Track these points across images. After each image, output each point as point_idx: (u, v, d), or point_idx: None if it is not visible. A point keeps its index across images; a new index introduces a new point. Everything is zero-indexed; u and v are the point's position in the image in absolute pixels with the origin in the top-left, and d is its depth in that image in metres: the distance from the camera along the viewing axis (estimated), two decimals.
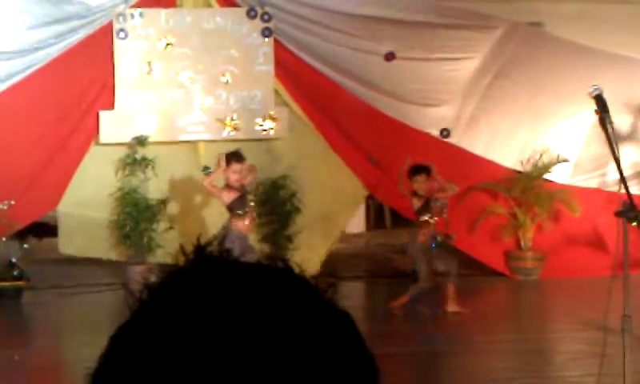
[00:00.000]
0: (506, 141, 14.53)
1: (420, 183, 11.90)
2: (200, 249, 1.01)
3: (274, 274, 0.98)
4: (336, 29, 14.47)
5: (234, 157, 11.98)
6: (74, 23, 14.03)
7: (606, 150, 13.35)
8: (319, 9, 14.47)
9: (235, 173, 11.85)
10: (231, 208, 11.83)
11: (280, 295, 0.95)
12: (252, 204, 12.00)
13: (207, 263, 0.99)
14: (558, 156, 14.35)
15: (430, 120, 14.62)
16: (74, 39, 14.05)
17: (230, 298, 0.94)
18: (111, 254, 14.32)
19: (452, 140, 14.39)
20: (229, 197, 11.82)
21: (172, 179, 14.18)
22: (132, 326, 0.97)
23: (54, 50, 13.96)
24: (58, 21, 13.89)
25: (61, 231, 14.40)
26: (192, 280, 0.97)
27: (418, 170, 12.05)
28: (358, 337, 0.99)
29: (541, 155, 14.34)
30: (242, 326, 0.92)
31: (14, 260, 13.17)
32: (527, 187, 14.33)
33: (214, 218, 13.90)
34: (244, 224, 11.71)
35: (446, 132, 14.52)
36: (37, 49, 13.82)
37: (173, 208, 14.18)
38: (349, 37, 14.45)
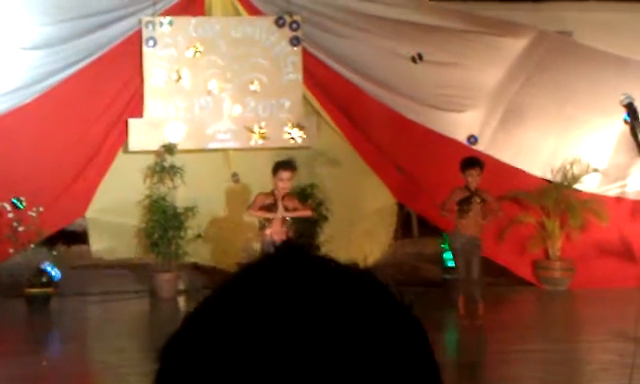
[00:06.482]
0: (534, 149, 14.43)
1: (474, 177, 11.71)
2: (289, 243, 1.04)
3: (357, 273, 1.01)
4: (364, 30, 14.43)
5: (281, 165, 11.98)
6: (102, 18, 14.04)
7: (631, 160, 13.26)
8: (347, 11, 14.44)
9: (282, 180, 11.84)
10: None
11: (360, 293, 0.98)
12: (283, 211, 11.84)
13: (291, 256, 1.02)
14: (589, 166, 14.24)
15: (457, 127, 14.57)
16: (101, 35, 14.06)
17: (310, 291, 0.96)
18: (140, 254, 14.35)
19: (479, 147, 14.31)
20: (264, 202, 11.79)
21: (200, 187, 14.17)
22: (210, 304, 0.99)
23: (82, 44, 13.96)
24: (84, 16, 13.91)
25: (91, 237, 14.47)
26: (273, 269, 0.99)
27: (472, 162, 11.84)
28: (428, 344, 1.01)
29: (571, 165, 14.24)
30: (317, 320, 0.93)
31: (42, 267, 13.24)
32: (557, 197, 14.23)
33: (242, 227, 13.92)
34: (271, 230, 11.66)
35: (473, 139, 14.46)
36: (64, 43, 13.83)
37: (201, 216, 14.18)
38: (376, 37, 14.41)
